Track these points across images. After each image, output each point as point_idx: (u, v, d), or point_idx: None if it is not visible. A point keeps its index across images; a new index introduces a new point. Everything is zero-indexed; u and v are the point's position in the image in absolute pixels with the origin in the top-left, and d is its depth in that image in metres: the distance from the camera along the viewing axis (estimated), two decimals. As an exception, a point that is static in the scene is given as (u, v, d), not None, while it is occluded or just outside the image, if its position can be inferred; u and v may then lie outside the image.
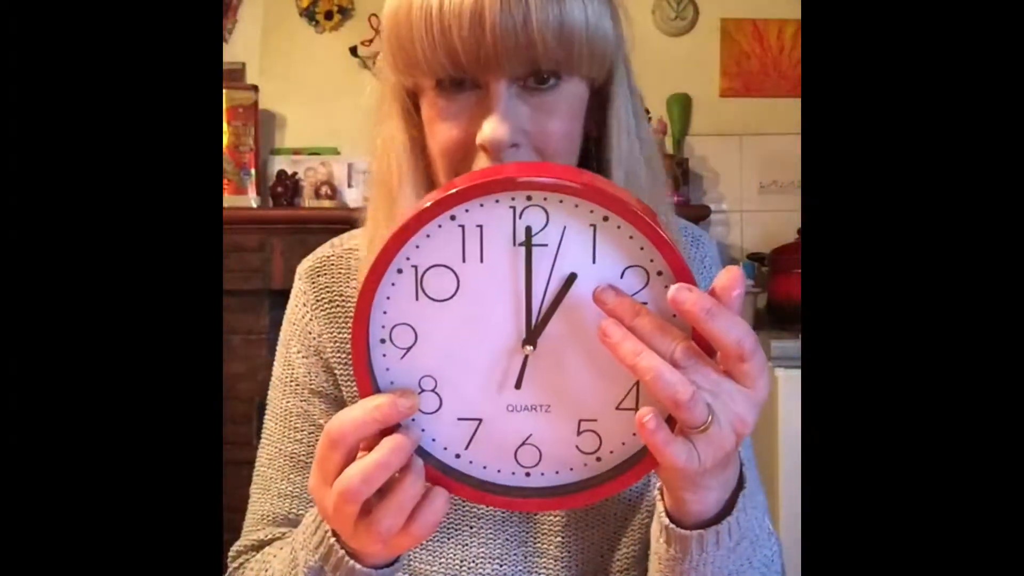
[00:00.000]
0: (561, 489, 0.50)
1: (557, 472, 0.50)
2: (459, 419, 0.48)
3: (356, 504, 0.47)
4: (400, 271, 0.46)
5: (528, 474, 0.50)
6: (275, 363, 0.76)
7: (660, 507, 0.54)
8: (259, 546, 0.69)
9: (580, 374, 0.47)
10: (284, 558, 0.59)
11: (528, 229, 0.44)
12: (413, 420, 0.48)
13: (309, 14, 2.52)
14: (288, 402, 0.73)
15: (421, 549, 0.70)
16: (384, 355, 0.47)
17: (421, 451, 0.49)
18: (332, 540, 0.53)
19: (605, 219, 0.44)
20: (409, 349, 0.47)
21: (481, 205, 0.44)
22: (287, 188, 2.36)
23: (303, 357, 0.73)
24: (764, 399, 0.46)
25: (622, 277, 0.45)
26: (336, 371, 0.72)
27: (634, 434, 0.47)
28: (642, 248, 0.45)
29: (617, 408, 0.48)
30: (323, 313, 0.73)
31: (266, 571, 0.63)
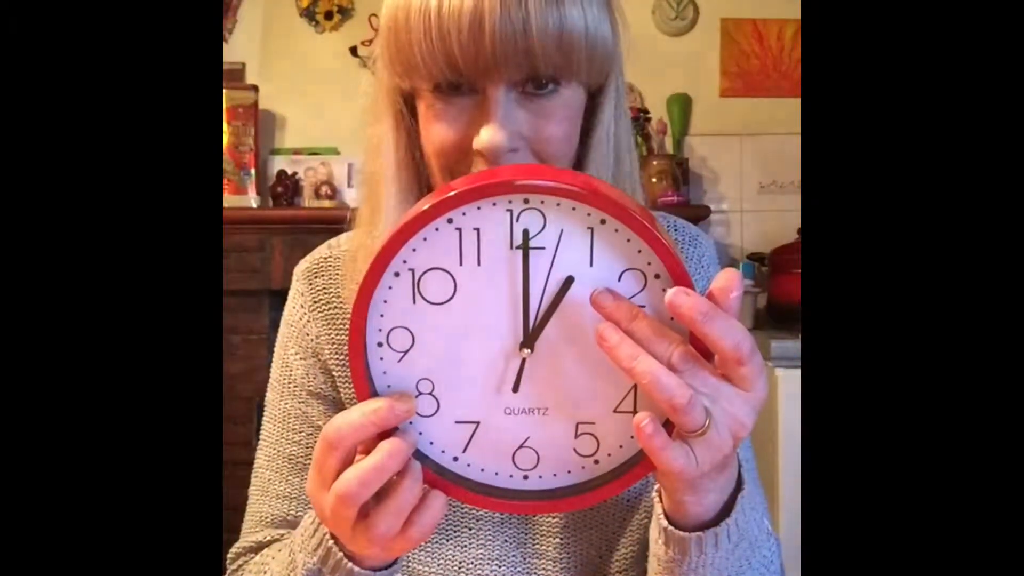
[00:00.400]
0: (559, 492, 0.50)
1: (555, 475, 0.50)
2: (457, 422, 0.48)
3: (354, 508, 0.47)
4: (397, 274, 0.46)
5: (526, 477, 0.50)
6: (273, 365, 0.76)
7: (659, 509, 0.54)
8: (258, 548, 0.69)
9: (578, 377, 0.47)
10: (282, 560, 0.59)
11: (525, 232, 0.44)
12: (411, 423, 0.48)
13: (309, 14, 2.53)
14: (286, 404, 0.73)
15: (419, 550, 0.70)
16: (381, 358, 0.47)
17: (419, 454, 0.49)
18: (330, 542, 0.53)
19: (603, 222, 0.44)
20: (406, 352, 0.47)
21: (478, 208, 0.44)
22: (287, 188, 2.37)
23: (301, 359, 0.73)
24: (762, 402, 0.46)
25: (619, 280, 0.45)
26: (334, 372, 0.72)
27: (632, 437, 0.47)
28: (639, 251, 0.44)
29: (615, 411, 0.48)
30: (320, 315, 0.73)
31: (264, 573, 0.63)
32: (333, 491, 0.47)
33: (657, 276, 0.45)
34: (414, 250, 0.45)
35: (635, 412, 0.47)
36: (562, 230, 0.44)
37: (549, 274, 0.45)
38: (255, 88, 2.39)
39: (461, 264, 0.45)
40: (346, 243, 0.75)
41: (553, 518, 0.70)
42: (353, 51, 2.47)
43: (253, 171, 2.36)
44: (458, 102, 0.59)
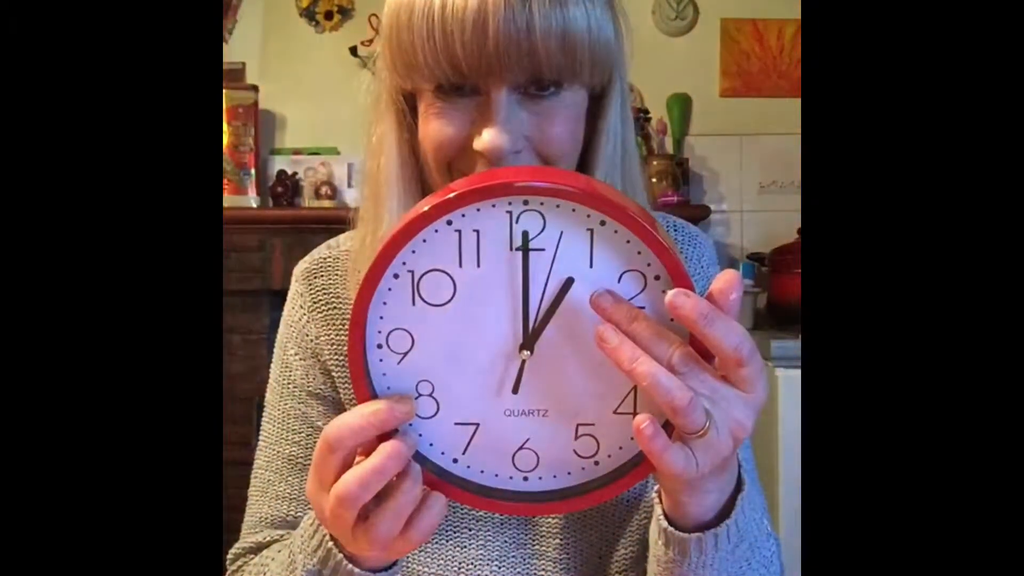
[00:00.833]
0: (559, 493, 0.50)
1: (555, 476, 0.50)
2: (456, 424, 0.48)
3: (353, 510, 0.47)
4: (396, 276, 0.46)
5: (526, 478, 0.50)
6: (272, 365, 0.76)
7: (658, 510, 0.54)
8: (257, 548, 0.69)
9: (578, 378, 0.47)
10: (282, 561, 0.59)
11: (525, 234, 0.44)
12: (410, 425, 0.48)
13: (309, 14, 2.52)
14: (286, 404, 0.73)
15: (419, 551, 0.70)
16: (381, 360, 0.47)
17: (419, 456, 0.49)
18: (330, 544, 0.53)
19: (602, 223, 0.44)
20: (406, 354, 0.47)
21: (478, 210, 0.44)
22: (287, 188, 2.37)
23: (300, 359, 0.73)
24: (762, 403, 0.46)
25: (619, 281, 0.45)
26: (334, 373, 0.72)
27: (632, 438, 0.47)
28: (639, 252, 0.44)
29: (615, 412, 0.48)
30: (320, 315, 0.73)
31: (264, 574, 0.63)
32: (333, 493, 0.47)
33: (657, 277, 0.45)
34: (413, 252, 0.45)
35: (635, 413, 0.47)
36: (562, 231, 0.44)
37: (549, 275, 0.45)
38: (255, 88, 2.39)
39: (461, 266, 0.45)
40: (346, 243, 0.75)
41: (553, 519, 0.70)
42: (353, 51, 2.47)
43: (253, 171, 2.36)
44: (460, 103, 0.59)
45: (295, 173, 2.40)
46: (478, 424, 0.48)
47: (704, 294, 0.45)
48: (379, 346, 0.47)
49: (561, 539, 0.70)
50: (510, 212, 0.44)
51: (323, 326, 0.72)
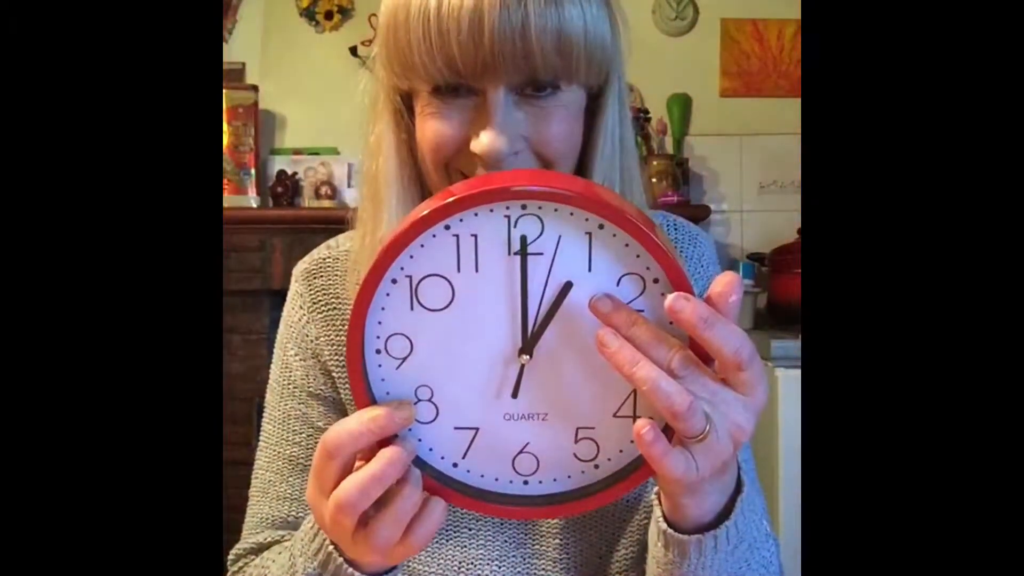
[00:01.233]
0: (559, 497, 0.50)
1: (555, 480, 0.50)
2: (456, 428, 0.48)
3: (353, 516, 0.46)
4: (395, 281, 0.45)
5: (526, 482, 0.50)
6: (272, 366, 0.76)
7: (658, 511, 0.54)
8: (258, 549, 0.69)
9: (577, 382, 0.47)
10: (283, 564, 0.59)
11: (523, 238, 0.44)
12: (410, 430, 0.48)
13: (309, 14, 2.52)
14: (286, 405, 0.73)
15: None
16: (380, 365, 0.47)
17: (418, 460, 0.49)
18: (331, 547, 0.53)
19: (600, 227, 0.44)
20: (405, 359, 0.47)
21: (475, 215, 0.44)
22: (287, 188, 2.37)
23: (300, 360, 0.73)
24: (762, 406, 0.46)
25: (618, 285, 0.45)
26: (334, 374, 0.72)
27: (632, 441, 0.47)
28: (638, 256, 0.44)
29: (615, 416, 0.48)
30: (320, 316, 0.73)
31: (264, 576, 0.64)
32: (332, 500, 0.47)
33: (656, 281, 0.45)
34: (411, 257, 0.45)
35: (635, 416, 0.47)
36: (560, 235, 0.44)
37: (547, 279, 0.45)
38: (255, 88, 2.39)
39: (459, 270, 0.45)
40: (345, 243, 0.75)
41: (553, 519, 0.70)
42: (353, 51, 2.47)
43: (253, 171, 2.36)
44: (457, 104, 0.59)
45: (295, 173, 2.40)
46: (478, 428, 0.48)
47: (704, 293, 0.45)
48: (378, 351, 0.47)
49: (561, 539, 0.70)
50: (508, 216, 0.44)
51: (323, 326, 0.72)
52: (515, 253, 0.45)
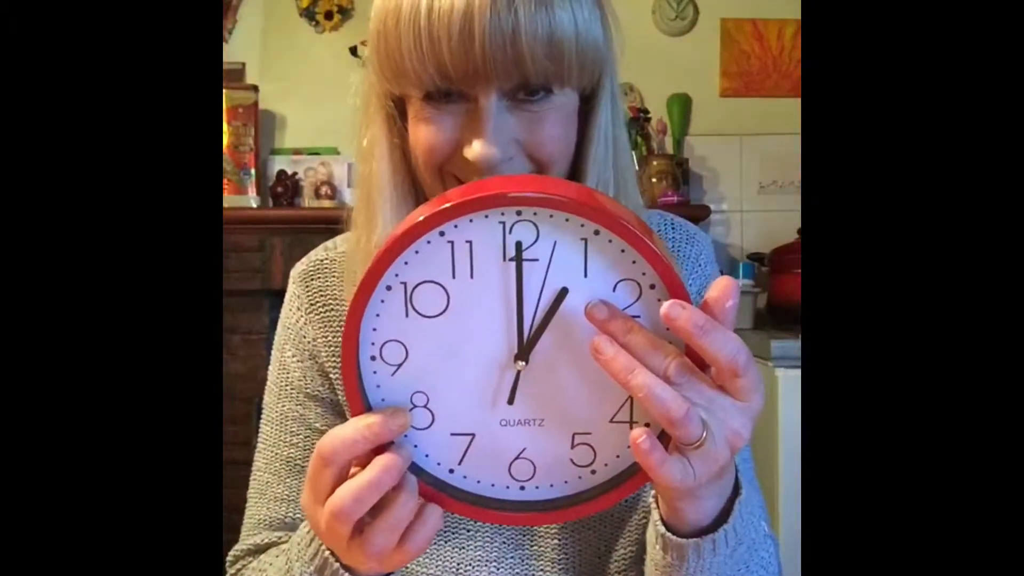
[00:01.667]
0: (555, 502, 0.50)
1: (552, 485, 0.50)
2: (452, 434, 0.48)
3: (348, 524, 0.46)
4: (389, 288, 0.45)
5: (522, 488, 0.50)
6: (270, 367, 0.76)
7: (656, 515, 0.54)
8: (256, 551, 0.69)
9: (573, 388, 0.47)
10: (279, 567, 0.59)
11: (519, 244, 0.44)
12: (406, 436, 0.48)
13: (309, 14, 2.52)
14: (284, 406, 0.73)
15: (418, 553, 0.70)
16: (375, 372, 0.47)
17: (414, 467, 0.49)
18: (327, 553, 0.53)
19: (596, 233, 0.44)
20: (400, 366, 0.47)
21: (470, 221, 0.44)
22: (287, 188, 2.37)
23: (298, 361, 0.73)
24: (759, 412, 0.46)
25: (614, 291, 0.45)
26: (331, 375, 0.72)
27: (628, 447, 0.47)
28: (634, 262, 0.44)
29: (611, 421, 0.48)
30: (317, 317, 0.73)
31: (262, 580, 0.64)
32: (327, 507, 0.46)
33: (652, 287, 0.45)
34: (406, 263, 0.45)
35: (631, 422, 0.47)
36: (555, 242, 0.44)
37: (543, 286, 0.45)
38: (255, 88, 2.39)
39: (454, 277, 0.45)
40: (343, 245, 0.75)
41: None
42: (353, 51, 2.46)
43: (253, 171, 2.36)
44: (449, 109, 0.59)
45: (295, 173, 2.40)
46: (474, 435, 0.48)
47: (703, 292, 0.45)
48: (373, 358, 0.47)
49: (559, 540, 0.70)
50: (503, 223, 0.44)
51: (320, 328, 0.72)
52: (510, 259, 0.44)
